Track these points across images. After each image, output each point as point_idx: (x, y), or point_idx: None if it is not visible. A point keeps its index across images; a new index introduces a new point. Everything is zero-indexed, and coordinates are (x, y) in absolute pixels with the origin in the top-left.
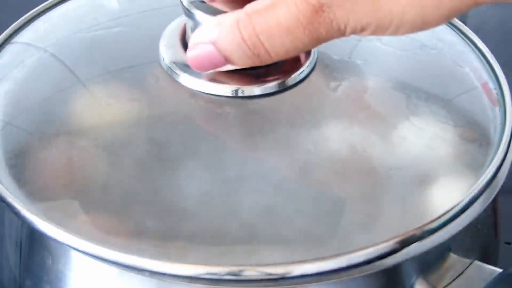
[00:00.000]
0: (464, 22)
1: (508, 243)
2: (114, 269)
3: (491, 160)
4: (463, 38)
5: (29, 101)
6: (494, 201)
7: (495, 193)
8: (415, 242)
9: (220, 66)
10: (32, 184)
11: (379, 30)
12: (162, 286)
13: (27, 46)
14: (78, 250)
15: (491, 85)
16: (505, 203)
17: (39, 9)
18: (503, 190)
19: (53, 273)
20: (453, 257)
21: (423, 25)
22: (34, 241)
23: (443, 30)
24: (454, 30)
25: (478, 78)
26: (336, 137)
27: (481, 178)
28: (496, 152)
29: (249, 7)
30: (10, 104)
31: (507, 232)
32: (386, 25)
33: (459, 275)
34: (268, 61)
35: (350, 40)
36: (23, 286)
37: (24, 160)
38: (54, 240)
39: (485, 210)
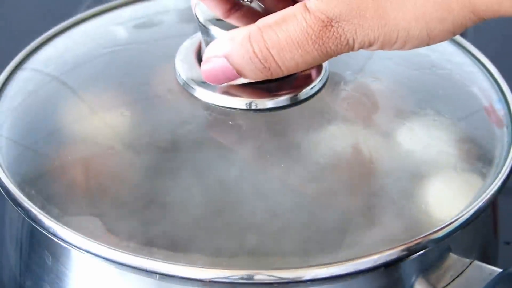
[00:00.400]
0: None
1: (508, 243)
2: (114, 269)
3: (496, 177)
4: (472, 60)
5: (49, 117)
6: (494, 201)
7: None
8: (420, 250)
9: (233, 79)
10: (54, 198)
11: (387, 44)
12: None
13: (46, 63)
14: (93, 254)
15: (499, 105)
16: (505, 203)
17: (59, 28)
18: (503, 190)
19: (53, 273)
20: (453, 257)
21: (429, 39)
22: (34, 240)
23: (453, 52)
24: (463, 52)
25: (486, 98)
26: (345, 150)
27: (485, 194)
28: (501, 171)
29: (260, 21)
30: (25, 121)
31: (506, 232)
32: (393, 39)
33: (459, 275)
34: (279, 74)
35: (361, 57)
36: (23, 286)
37: (42, 176)
38: (74, 246)
39: (485, 210)
